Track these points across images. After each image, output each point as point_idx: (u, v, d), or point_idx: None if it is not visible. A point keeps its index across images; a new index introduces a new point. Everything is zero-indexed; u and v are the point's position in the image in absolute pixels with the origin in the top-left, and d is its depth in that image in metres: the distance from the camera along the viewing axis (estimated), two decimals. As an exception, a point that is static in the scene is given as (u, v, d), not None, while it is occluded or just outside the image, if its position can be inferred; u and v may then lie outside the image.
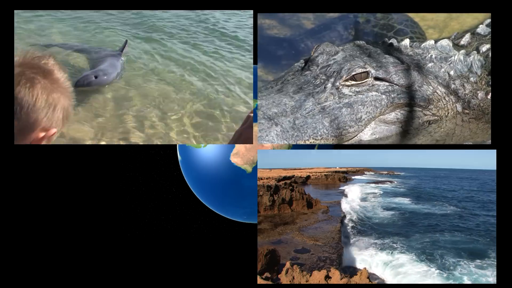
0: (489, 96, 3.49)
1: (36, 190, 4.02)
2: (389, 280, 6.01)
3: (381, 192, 20.93)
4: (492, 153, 3.56)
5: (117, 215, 4.18)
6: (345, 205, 13.13)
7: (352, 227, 9.77)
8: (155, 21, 7.80)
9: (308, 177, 23.35)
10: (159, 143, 4.57)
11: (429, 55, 3.56)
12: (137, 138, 4.58)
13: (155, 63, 6.08)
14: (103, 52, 5.91)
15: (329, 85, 3.38)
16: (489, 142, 3.47)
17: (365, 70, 3.38)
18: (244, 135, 2.34)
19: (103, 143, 4.42)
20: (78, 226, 4.10)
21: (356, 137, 3.36)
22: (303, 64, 3.59)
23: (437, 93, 3.48)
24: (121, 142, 4.50)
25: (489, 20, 3.83)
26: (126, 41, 6.19)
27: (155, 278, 4.10)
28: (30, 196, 3.99)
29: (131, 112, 4.97)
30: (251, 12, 4.25)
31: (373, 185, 23.85)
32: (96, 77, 5.01)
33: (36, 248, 3.96)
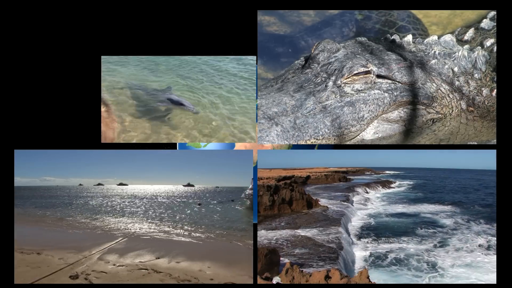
0: (494, 93, 3.41)
1: None
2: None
3: (381, 192, 20.91)
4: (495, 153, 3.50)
5: None
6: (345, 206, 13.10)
7: (352, 228, 9.76)
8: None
9: (308, 177, 23.35)
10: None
11: (433, 52, 3.49)
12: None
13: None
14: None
15: (330, 83, 3.31)
16: (494, 141, 3.39)
17: (367, 69, 3.30)
18: None
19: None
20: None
21: (358, 137, 3.29)
22: (304, 62, 3.52)
23: (441, 90, 3.41)
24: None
25: (492, 13, 3.75)
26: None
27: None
28: None
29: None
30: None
31: (373, 185, 23.86)
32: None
33: None
